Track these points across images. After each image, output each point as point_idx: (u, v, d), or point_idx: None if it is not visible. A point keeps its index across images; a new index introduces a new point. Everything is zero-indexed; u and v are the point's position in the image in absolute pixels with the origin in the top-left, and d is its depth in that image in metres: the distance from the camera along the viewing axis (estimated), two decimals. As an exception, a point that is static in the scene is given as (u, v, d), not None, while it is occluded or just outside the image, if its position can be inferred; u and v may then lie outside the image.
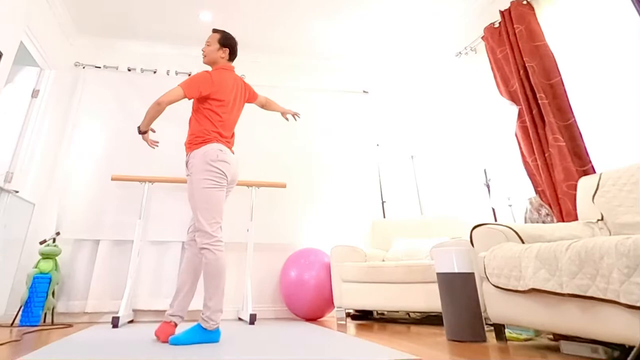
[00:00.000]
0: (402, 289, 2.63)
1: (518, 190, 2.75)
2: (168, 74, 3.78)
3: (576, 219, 2.19)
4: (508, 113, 2.81)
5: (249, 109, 2.66)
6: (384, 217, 3.83)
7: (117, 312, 2.67)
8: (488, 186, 3.01)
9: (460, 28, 3.54)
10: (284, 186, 3.47)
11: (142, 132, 2.21)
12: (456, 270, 1.99)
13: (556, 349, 1.67)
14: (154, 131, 2.29)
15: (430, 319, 2.83)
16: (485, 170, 3.07)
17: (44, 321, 2.84)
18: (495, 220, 2.88)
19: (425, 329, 2.44)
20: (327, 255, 3.20)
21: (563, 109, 2.45)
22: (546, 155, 2.49)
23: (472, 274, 1.99)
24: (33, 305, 2.70)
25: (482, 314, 1.96)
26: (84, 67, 3.65)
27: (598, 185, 2.10)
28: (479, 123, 3.21)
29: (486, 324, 2.00)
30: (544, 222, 2.50)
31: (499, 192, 2.91)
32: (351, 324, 2.79)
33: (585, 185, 2.18)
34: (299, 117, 2.71)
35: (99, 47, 3.81)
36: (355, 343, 1.92)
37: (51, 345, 1.82)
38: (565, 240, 1.55)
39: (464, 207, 3.33)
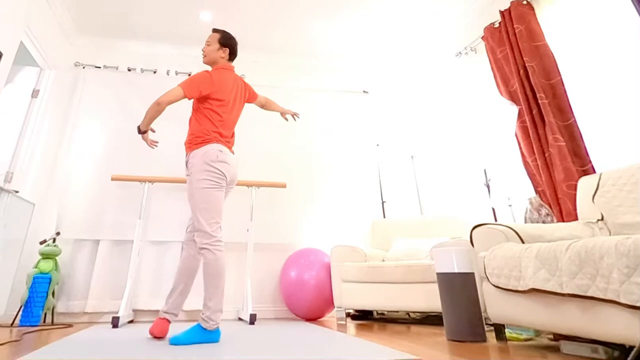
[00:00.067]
0: (402, 289, 2.63)
1: (518, 190, 2.75)
2: (168, 74, 3.78)
3: (576, 219, 2.19)
4: (508, 113, 2.81)
5: (249, 109, 2.67)
6: (384, 217, 3.83)
7: (117, 312, 2.67)
8: (488, 186, 3.01)
9: (460, 28, 3.54)
10: (284, 186, 3.47)
11: (142, 131, 2.22)
12: (456, 270, 1.99)
13: (556, 349, 1.67)
14: (153, 131, 2.29)
15: (430, 319, 2.83)
16: (485, 170, 3.07)
17: (44, 321, 2.84)
18: (495, 220, 2.88)
19: (425, 329, 2.44)
20: (327, 255, 3.20)
21: (563, 109, 2.45)
22: (546, 155, 2.49)
23: (472, 274, 1.99)
24: (33, 305, 2.70)
25: (482, 314, 1.96)
26: (84, 67, 3.65)
27: (598, 185, 2.10)
28: (479, 123, 3.21)
29: (486, 324, 2.00)
30: (544, 222, 2.50)
31: (499, 192, 2.91)
32: (351, 324, 2.79)
33: (585, 185, 2.18)
34: (298, 117, 2.71)
35: (99, 47, 3.81)
36: (355, 343, 1.92)
37: (51, 345, 1.82)
38: (565, 240, 1.55)
39: (464, 207, 3.33)
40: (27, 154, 3.14)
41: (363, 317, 3.16)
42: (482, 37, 3.14)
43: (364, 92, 4.26)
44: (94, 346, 1.82)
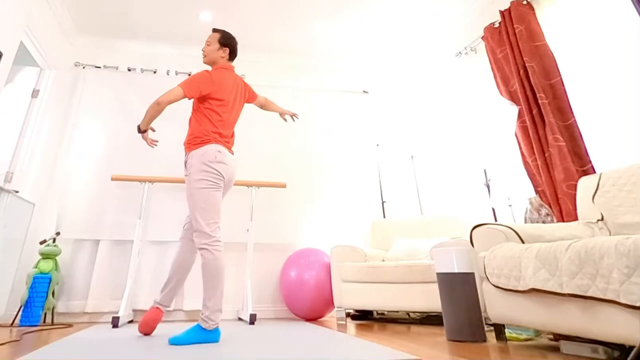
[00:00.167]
0: (402, 289, 2.63)
1: (518, 190, 2.75)
2: (168, 74, 3.78)
3: (576, 219, 2.19)
4: (508, 113, 2.81)
5: (250, 109, 2.67)
6: (384, 217, 3.83)
7: (117, 312, 2.67)
8: (488, 186, 3.01)
9: (460, 28, 3.54)
10: (284, 186, 3.47)
11: (142, 131, 2.22)
12: (456, 270, 1.99)
13: (556, 349, 1.67)
14: (153, 130, 2.29)
15: (430, 319, 2.83)
16: (485, 170, 3.07)
17: (44, 321, 2.84)
18: (495, 220, 2.88)
19: (425, 329, 2.44)
20: (327, 255, 3.20)
21: (563, 109, 2.45)
22: (546, 155, 2.48)
23: (472, 274, 1.99)
24: (33, 305, 2.70)
25: (482, 314, 1.96)
26: (84, 67, 3.65)
27: (598, 185, 2.10)
28: (479, 123, 3.21)
29: (486, 324, 2.00)
30: (544, 222, 2.50)
31: (499, 192, 2.91)
32: (351, 324, 2.79)
33: (585, 185, 2.18)
34: (297, 117, 2.72)
35: (99, 47, 3.81)
36: (355, 343, 1.92)
37: (51, 345, 1.82)
38: (565, 240, 1.55)
39: (464, 207, 3.33)
40: (27, 154, 3.14)
41: (363, 317, 3.16)
42: (482, 37, 3.14)
43: (364, 92, 4.26)
44: (94, 346, 1.82)
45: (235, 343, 1.92)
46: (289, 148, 3.80)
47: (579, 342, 1.54)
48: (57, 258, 2.93)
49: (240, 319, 3.12)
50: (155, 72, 3.77)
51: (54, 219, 3.13)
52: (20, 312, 2.71)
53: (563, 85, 2.48)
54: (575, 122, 2.40)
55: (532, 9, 2.77)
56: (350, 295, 2.84)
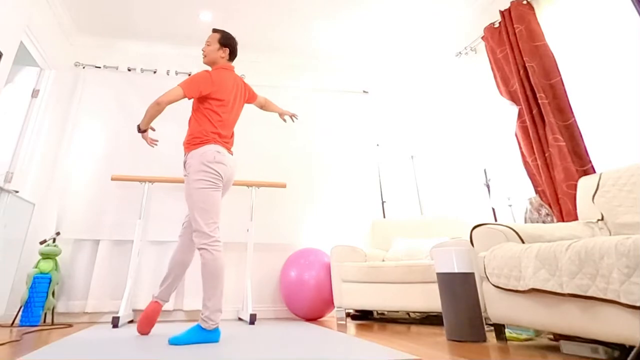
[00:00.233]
0: (402, 289, 2.63)
1: (518, 190, 2.75)
2: (168, 74, 3.78)
3: (576, 219, 2.19)
4: (508, 113, 2.81)
5: (249, 109, 2.67)
6: (384, 217, 3.83)
7: (117, 312, 2.67)
8: (488, 186, 3.01)
9: (460, 28, 3.54)
10: (284, 186, 3.47)
11: (142, 130, 2.22)
12: (456, 270, 1.99)
13: (556, 349, 1.67)
14: (153, 129, 2.29)
15: (430, 319, 2.83)
16: (485, 170, 3.07)
17: (44, 321, 2.84)
18: (495, 220, 2.88)
19: (425, 329, 2.44)
20: (327, 255, 3.20)
21: (563, 109, 2.45)
22: (546, 155, 2.48)
23: (472, 274, 1.99)
24: (33, 305, 2.70)
25: (482, 314, 1.96)
26: (84, 67, 3.65)
27: (598, 185, 2.10)
28: (479, 123, 3.21)
29: (486, 324, 2.00)
30: (544, 222, 2.50)
31: (499, 192, 2.91)
32: (351, 324, 2.79)
33: (585, 185, 2.18)
34: (296, 118, 2.72)
35: (99, 47, 3.81)
36: (355, 343, 1.92)
37: (51, 345, 1.82)
38: (565, 240, 1.55)
39: (464, 207, 3.33)
40: (27, 154, 3.14)
41: (363, 317, 3.16)
42: (482, 37, 3.14)
43: (364, 92, 4.26)
44: (94, 346, 1.82)
45: (235, 343, 1.92)
46: (289, 148, 3.80)
47: (579, 342, 1.54)
48: (57, 258, 2.93)
49: (240, 319, 3.12)
50: (155, 72, 3.77)
51: (54, 219, 3.13)
52: (20, 312, 2.71)
53: (563, 85, 2.49)
54: (575, 122, 2.40)
55: (532, 9, 2.77)
56: (350, 295, 2.84)
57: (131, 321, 2.90)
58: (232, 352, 1.70)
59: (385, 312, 3.16)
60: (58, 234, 3.02)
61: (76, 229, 3.14)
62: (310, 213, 3.66)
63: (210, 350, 1.74)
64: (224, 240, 2.07)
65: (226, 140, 2.19)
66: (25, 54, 3.10)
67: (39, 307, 2.71)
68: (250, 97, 2.48)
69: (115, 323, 2.52)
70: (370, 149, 4.05)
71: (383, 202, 3.90)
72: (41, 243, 2.90)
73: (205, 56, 2.32)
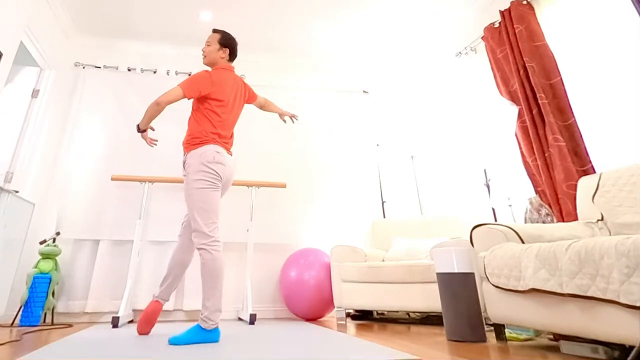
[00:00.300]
0: (402, 289, 2.63)
1: (518, 190, 2.75)
2: (168, 74, 3.78)
3: (576, 219, 2.19)
4: (508, 113, 2.81)
5: (250, 109, 2.67)
6: (384, 217, 3.83)
7: (117, 312, 2.67)
8: (488, 186, 3.01)
9: (460, 28, 3.54)
10: (284, 186, 3.47)
11: (141, 130, 2.23)
12: (456, 270, 1.99)
13: (556, 349, 1.67)
14: (153, 129, 2.29)
15: (430, 319, 2.83)
16: (485, 170, 3.07)
17: (44, 321, 2.84)
18: (495, 220, 2.88)
19: (425, 329, 2.44)
20: (327, 255, 3.20)
21: (563, 109, 2.45)
22: (546, 155, 2.48)
23: (472, 274, 1.99)
24: (33, 305, 2.70)
25: (482, 314, 1.96)
26: (84, 67, 3.65)
27: (598, 185, 2.10)
28: (479, 123, 3.21)
29: (486, 324, 2.00)
30: (544, 222, 2.50)
31: (499, 192, 2.91)
32: (351, 324, 2.79)
33: (585, 185, 2.18)
34: (296, 119, 2.72)
35: (99, 47, 3.81)
36: (355, 343, 1.92)
37: (51, 345, 1.82)
38: (565, 240, 1.55)
39: (464, 207, 3.33)
40: (27, 154, 3.14)
41: (363, 317, 3.16)
42: (482, 37, 3.14)
43: (364, 92, 4.26)
44: (94, 346, 1.82)
45: (235, 343, 1.92)
46: (289, 148, 3.80)
47: (579, 342, 1.54)
48: (57, 258, 2.93)
49: (240, 319, 3.12)
50: (155, 72, 3.77)
51: (54, 219, 3.13)
52: (20, 312, 2.71)
53: (563, 85, 2.49)
54: (575, 122, 2.40)
55: (532, 9, 2.77)
56: (350, 295, 2.84)
57: (131, 321, 2.90)
58: (232, 352, 1.70)
59: (385, 312, 3.17)
60: (58, 234, 3.02)
61: (76, 229, 3.14)
62: (310, 213, 3.66)
63: (210, 350, 1.74)
64: (224, 240, 2.07)
65: (225, 140, 2.19)
66: (25, 54, 3.10)
67: (38, 307, 2.71)
68: (250, 97, 2.48)
69: (115, 323, 2.52)
70: (370, 149, 4.05)
71: (383, 202, 3.90)
72: (41, 243, 2.90)
73: (205, 56, 2.32)
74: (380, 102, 4.27)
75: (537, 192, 2.55)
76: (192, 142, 2.11)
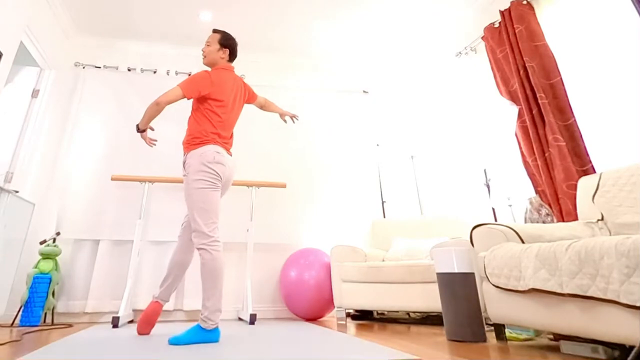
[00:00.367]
0: (402, 289, 2.63)
1: (518, 190, 2.75)
2: (168, 74, 3.78)
3: (576, 219, 2.19)
4: (508, 113, 2.81)
5: (250, 110, 2.67)
6: (384, 217, 3.83)
7: (117, 312, 2.67)
8: (488, 186, 3.01)
9: (460, 28, 3.54)
10: (284, 186, 3.47)
11: (141, 130, 2.23)
12: (456, 270, 1.99)
13: (556, 349, 1.67)
14: (152, 129, 2.29)
15: (430, 319, 2.83)
16: (485, 170, 3.07)
17: (44, 321, 2.84)
18: (495, 220, 2.88)
19: (425, 329, 2.44)
20: (327, 255, 3.20)
21: (563, 109, 2.45)
22: (546, 155, 2.49)
23: (472, 274, 1.99)
24: (33, 305, 2.70)
25: (482, 314, 1.96)
26: (84, 67, 3.65)
27: (598, 185, 2.10)
28: (479, 123, 3.21)
29: (486, 324, 2.00)
30: (544, 222, 2.50)
31: (499, 192, 2.91)
32: (351, 324, 2.79)
33: (585, 185, 2.18)
34: (297, 119, 2.72)
35: (99, 47, 3.81)
36: (355, 343, 1.92)
37: (51, 345, 1.82)
38: (565, 240, 1.55)
39: (464, 207, 3.33)
40: (27, 154, 3.14)
41: (363, 317, 3.16)
42: (482, 37, 3.14)
43: (364, 92, 4.26)
44: (94, 346, 1.82)
45: (235, 343, 1.92)
46: (289, 148, 3.80)
47: (579, 342, 1.54)
48: (57, 258, 2.93)
49: (240, 319, 3.12)
50: (155, 72, 3.77)
51: (54, 219, 3.13)
52: (20, 312, 2.71)
53: (563, 85, 2.49)
54: (575, 122, 2.40)
55: (532, 9, 2.77)
56: (350, 295, 2.84)
57: (131, 321, 2.90)
58: (232, 352, 1.70)
59: (385, 312, 3.16)
60: (58, 234, 3.02)
61: (76, 229, 3.14)
62: (310, 213, 3.66)
63: (210, 350, 1.74)
64: (224, 240, 2.07)
65: (225, 140, 2.19)
66: (25, 54, 3.10)
67: (39, 307, 2.71)
68: (250, 97, 2.48)
69: (115, 323, 2.52)
70: (370, 149, 4.05)
71: (383, 202, 3.90)
72: (41, 243, 2.90)
73: (205, 57, 2.32)
74: (380, 102, 4.27)
75: (537, 192, 2.55)
76: (192, 142, 2.11)
